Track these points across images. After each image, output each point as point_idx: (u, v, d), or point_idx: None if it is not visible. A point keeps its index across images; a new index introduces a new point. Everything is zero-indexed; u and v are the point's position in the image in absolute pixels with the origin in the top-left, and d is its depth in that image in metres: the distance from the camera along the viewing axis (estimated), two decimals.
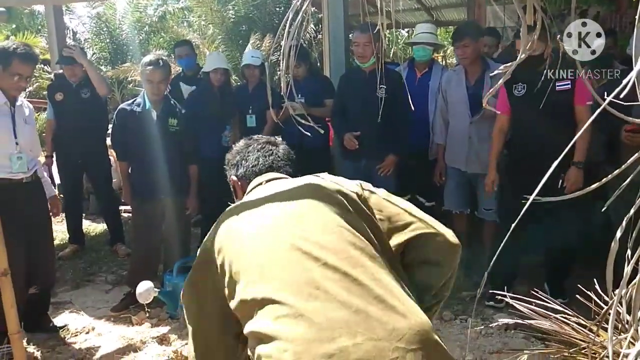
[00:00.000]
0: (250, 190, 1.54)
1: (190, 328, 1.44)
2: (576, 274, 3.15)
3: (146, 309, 3.36)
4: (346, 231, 1.25)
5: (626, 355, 1.10)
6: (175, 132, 3.54)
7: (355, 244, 1.22)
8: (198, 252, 1.41)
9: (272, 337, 1.08)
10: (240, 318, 1.23)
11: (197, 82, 4.82)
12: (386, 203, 1.41)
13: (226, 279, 1.26)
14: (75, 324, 3.39)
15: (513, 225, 1.17)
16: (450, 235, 1.39)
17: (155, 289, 3.13)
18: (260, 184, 1.53)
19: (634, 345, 1.11)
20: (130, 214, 4.51)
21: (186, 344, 2.96)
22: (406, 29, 10.76)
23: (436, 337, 1.12)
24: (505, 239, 1.19)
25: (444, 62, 9.99)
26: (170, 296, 3.34)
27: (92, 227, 5.43)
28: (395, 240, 1.35)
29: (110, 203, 4.84)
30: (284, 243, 1.22)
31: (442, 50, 10.65)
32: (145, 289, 3.03)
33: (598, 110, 1.05)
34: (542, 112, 2.99)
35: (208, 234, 1.39)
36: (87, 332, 3.29)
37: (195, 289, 1.41)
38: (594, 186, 1.35)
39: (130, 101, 3.65)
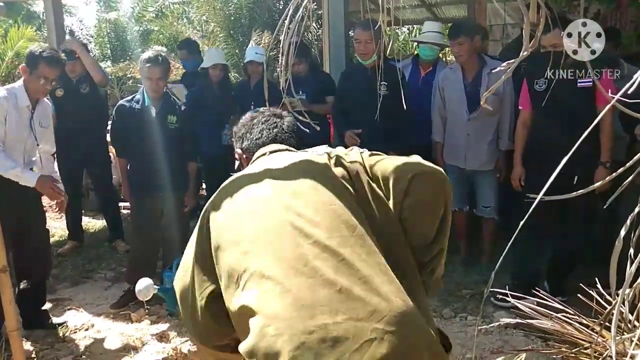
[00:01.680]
0: (254, 161, 1.54)
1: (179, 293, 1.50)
2: (576, 272, 3.15)
3: (145, 306, 3.35)
4: (340, 210, 1.24)
5: (633, 357, 1.09)
6: (175, 129, 3.53)
7: (348, 223, 1.21)
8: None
9: (256, 311, 1.10)
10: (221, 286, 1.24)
11: (196, 81, 4.85)
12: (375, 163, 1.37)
13: (213, 247, 1.27)
14: (75, 321, 3.38)
15: (521, 222, 1.16)
16: (429, 168, 1.35)
17: (155, 286, 3.11)
18: (264, 154, 1.53)
19: (639, 347, 1.10)
20: (129, 211, 4.50)
21: (186, 341, 2.98)
22: (406, 26, 10.72)
23: (419, 321, 1.11)
24: (515, 235, 1.18)
25: (444, 59, 9.94)
26: (169, 293, 3.31)
27: (92, 223, 5.42)
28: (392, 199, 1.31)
29: (109, 199, 4.83)
30: (277, 217, 1.23)
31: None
32: (144, 286, 3.01)
33: (607, 107, 1.05)
34: (561, 109, 2.97)
35: (208, 202, 1.38)
36: (87, 329, 3.28)
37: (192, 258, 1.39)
38: (595, 185, 1.34)
39: (129, 97, 3.64)
